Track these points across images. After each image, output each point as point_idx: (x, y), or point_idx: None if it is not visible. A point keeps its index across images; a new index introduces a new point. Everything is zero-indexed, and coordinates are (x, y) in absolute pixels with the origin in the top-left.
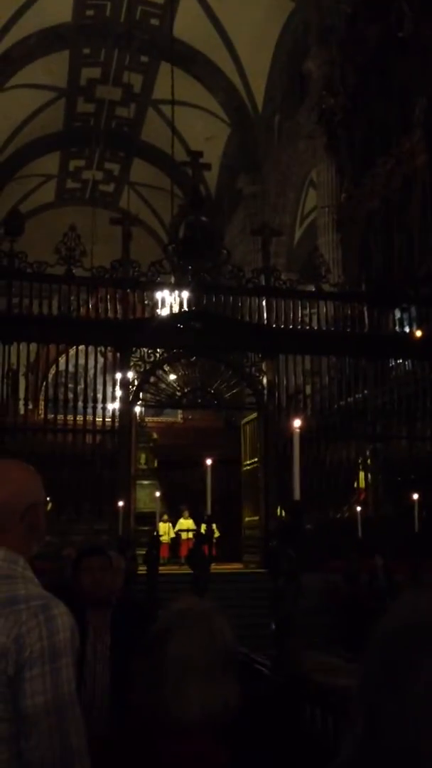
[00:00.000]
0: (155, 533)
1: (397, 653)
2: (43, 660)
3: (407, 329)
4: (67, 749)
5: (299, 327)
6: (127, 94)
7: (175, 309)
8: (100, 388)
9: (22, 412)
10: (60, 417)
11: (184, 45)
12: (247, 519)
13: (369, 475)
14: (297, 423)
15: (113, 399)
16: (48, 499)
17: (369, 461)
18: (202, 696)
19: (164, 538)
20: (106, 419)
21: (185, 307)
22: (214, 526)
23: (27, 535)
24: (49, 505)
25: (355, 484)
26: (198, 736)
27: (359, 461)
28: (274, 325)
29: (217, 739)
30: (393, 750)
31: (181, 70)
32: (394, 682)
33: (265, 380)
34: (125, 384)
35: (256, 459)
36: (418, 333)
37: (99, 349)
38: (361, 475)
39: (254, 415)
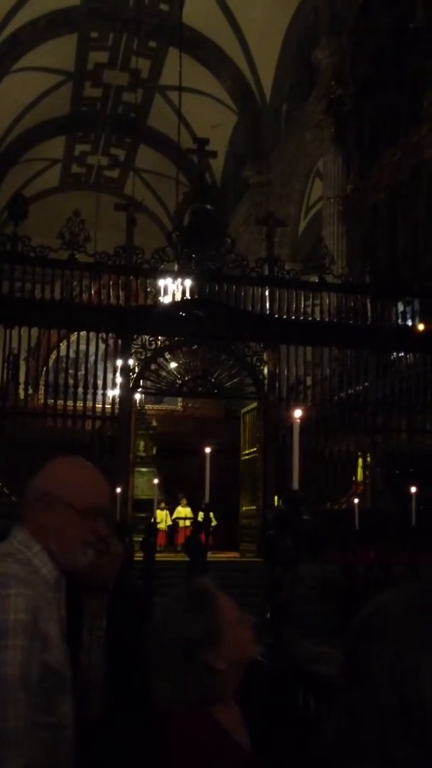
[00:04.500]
0: (152, 520)
1: (354, 641)
2: None
3: (410, 322)
4: (1, 732)
5: (302, 318)
6: (134, 80)
7: (178, 297)
8: (100, 374)
9: (22, 396)
10: (60, 402)
11: (193, 31)
12: (244, 508)
13: (367, 468)
14: (297, 413)
15: (113, 385)
16: (97, 506)
17: (368, 453)
18: (195, 679)
19: (161, 526)
20: (106, 406)
21: (188, 295)
22: (211, 514)
23: (44, 524)
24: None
25: (354, 476)
26: (193, 718)
27: (358, 453)
28: (276, 315)
29: (211, 722)
30: (346, 734)
31: (189, 57)
32: (350, 669)
33: (266, 370)
34: (126, 371)
35: (255, 448)
36: (421, 326)
37: (100, 335)
38: (360, 467)
39: (254, 404)
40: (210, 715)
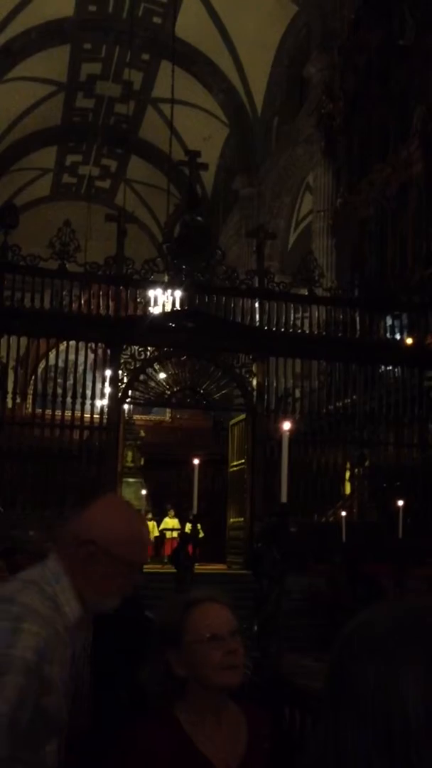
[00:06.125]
0: None
1: (338, 657)
2: None
3: (398, 336)
4: None
5: (291, 330)
6: (126, 91)
7: (168, 308)
8: (89, 384)
9: (9, 405)
10: (48, 412)
11: (186, 44)
12: (231, 520)
13: (355, 481)
14: (286, 426)
15: (102, 396)
16: (134, 559)
17: (356, 466)
18: (159, 672)
19: None
20: (95, 416)
21: (177, 306)
22: (198, 526)
23: (81, 568)
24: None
25: (342, 490)
26: (154, 713)
27: (346, 466)
28: (265, 328)
29: (170, 720)
30: (329, 750)
31: (181, 70)
32: (334, 685)
33: (254, 382)
34: (114, 381)
35: (242, 460)
36: (409, 340)
37: (89, 345)
38: (347, 479)
39: (243, 416)
40: (171, 714)
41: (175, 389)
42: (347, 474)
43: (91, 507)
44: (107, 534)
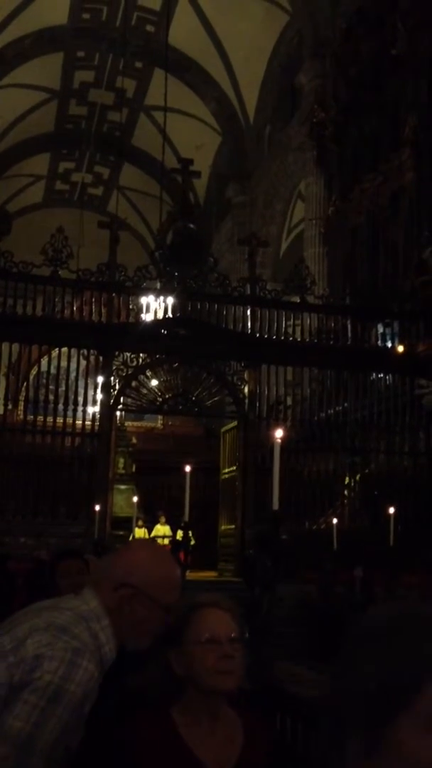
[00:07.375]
0: (131, 538)
1: (343, 651)
2: (43, 694)
3: (389, 344)
4: None
5: (282, 338)
6: (119, 99)
7: (160, 315)
8: (81, 390)
9: (1, 412)
10: (40, 418)
11: (179, 53)
12: (223, 527)
13: (346, 488)
14: (278, 433)
15: (94, 402)
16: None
17: (347, 474)
18: (159, 671)
19: None
20: (86, 422)
21: (170, 313)
22: (190, 533)
23: (120, 610)
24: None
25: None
26: (152, 712)
27: (345, 473)
28: (257, 335)
29: (167, 720)
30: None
31: (174, 78)
32: (336, 676)
33: (246, 389)
34: (106, 387)
35: (234, 467)
36: (400, 348)
37: (81, 351)
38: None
39: (234, 423)
40: (167, 715)
41: (167, 396)
42: (345, 480)
43: (127, 551)
44: (146, 578)
